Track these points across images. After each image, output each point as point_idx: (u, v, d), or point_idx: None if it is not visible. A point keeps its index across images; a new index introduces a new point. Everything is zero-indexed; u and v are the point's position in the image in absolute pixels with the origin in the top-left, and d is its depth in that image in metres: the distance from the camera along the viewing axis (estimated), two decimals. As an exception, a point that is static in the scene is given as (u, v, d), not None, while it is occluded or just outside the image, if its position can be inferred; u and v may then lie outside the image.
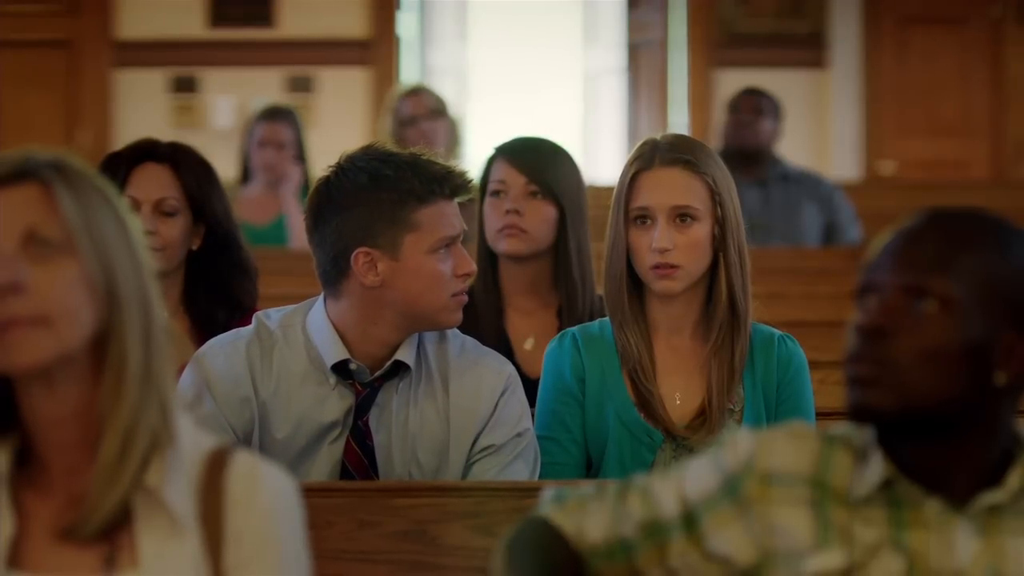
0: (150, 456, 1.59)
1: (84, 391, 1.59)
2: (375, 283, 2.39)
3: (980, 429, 1.64)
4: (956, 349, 1.61)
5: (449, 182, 2.41)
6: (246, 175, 5.39)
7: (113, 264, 1.59)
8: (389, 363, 2.43)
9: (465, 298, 2.45)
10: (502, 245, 3.02)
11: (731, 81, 7.44)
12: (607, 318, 2.62)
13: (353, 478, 2.44)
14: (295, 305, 2.52)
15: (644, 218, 2.55)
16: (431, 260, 2.39)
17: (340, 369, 2.44)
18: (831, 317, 3.93)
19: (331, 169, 2.45)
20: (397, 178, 2.39)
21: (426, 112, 5.27)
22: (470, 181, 2.45)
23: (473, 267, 2.45)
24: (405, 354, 2.44)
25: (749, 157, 5.26)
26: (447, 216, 2.41)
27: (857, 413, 1.65)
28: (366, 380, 2.44)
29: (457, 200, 2.44)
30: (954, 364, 1.61)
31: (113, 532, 1.59)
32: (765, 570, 1.69)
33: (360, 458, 2.44)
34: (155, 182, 2.93)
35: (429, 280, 2.39)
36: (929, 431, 1.63)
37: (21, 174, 1.59)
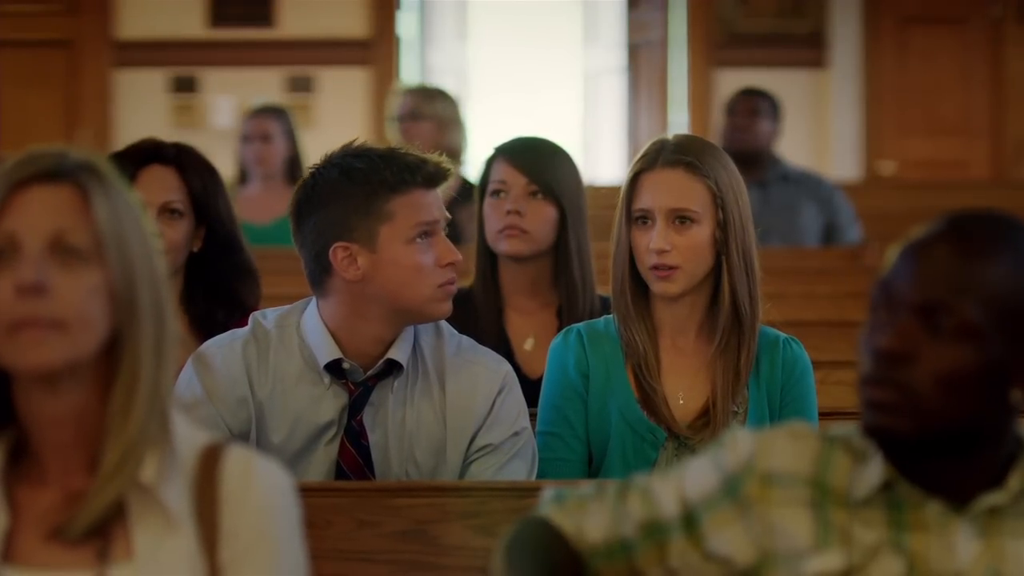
0: (145, 454, 1.59)
1: (85, 394, 1.59)
2: (356, 277, 2.39)
3: (988, 442, 1.64)
4: (974, 372, 1.59)
5: (422, 170, 2.39)
6: (243, 176, 5.40)
7: (134, 275, 1.59)
8: (382, 362, 2.43)
9: (453, 288, 2.43)
10: (503, 246, 3.01)
11: (731, 81, 7.43)
12: (612, 315, 2.62)
13: (349, 478, 2.43)
14: (291, 305, 2.52)
15: (644, 219, 2.55)
16: (410, 250, 2.39)
17: (334, 369, 2.44)
18: (831, 317, 3.94)
19: (310, 170, 2.45)
20: (369, 170, 2.39)
21: (434, 115, 5.23)
22: (447, 170, 2.43)
23: (457, 255, 2.42)
24: (398, 352, 2.43)
25: (747, 159, 5.24)
26: (422, 204, 2.39)
27: (873, 434, 1.63)
28: (359, 379, 2.44)
29: (437, 188, 2.41)
30: (972, 387, 1.59)
31: (107, 526, 1.59)
32: (765, 571, 1.68)
33: (355, 457, 2.44)
34: (161, 184, 2.93)
35: (410, 271, 2.38)
36: (939, 447, 1.63)
37: (56, 174, 1.59)
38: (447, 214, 2.44)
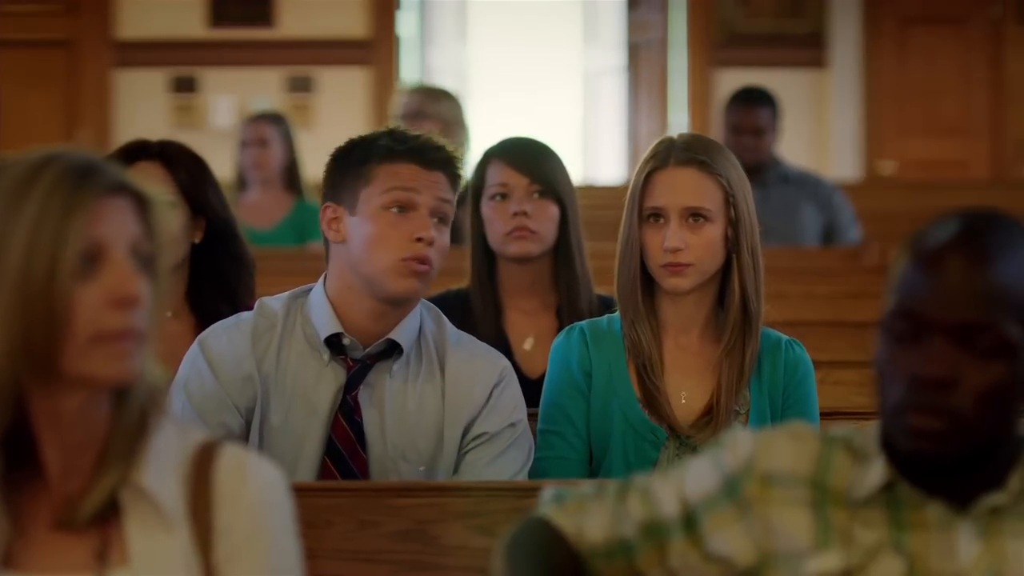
0: (137, 452, 1.59)
1: (108, 401, 1.59)
2: (338, 239, 2.43)
3: (1000, 449, 1.64)
4: (1011, 385, 1.59)
5: (410, 143, 2.41)
6: (242, 183, 5.41)
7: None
8: (382, 341, 2.43)
9: (419, 267, 2.38)
10: (512, 248, 3.02)
11: (731, 81, 7.44)
12: (615, 314, 2.63)
13: (341, 454, 2.43)
14: (303, 286, 2.53)
15: (657, 216, 2.56)
16: (380, 217, 2.38)
17: (335, 345, 2.44)
18: (830, 317, 3.94)
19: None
20: (371, 138, 2.44)
21: (438, 116, 5.21)
22: (446, 154, 2.42)
23: (429, 233, 2.38)
24: (400, 334, 2.44)
25: (749, 169, 5.20)
26: (402, 175, 2.39)
27: (918, 458, 1.62)
28: (358, 356, 2.44)
29: (433, 170, 2.40)
30: (1011, 400, 1.59)
31: (104, 530, 1.59)
32: (765, 571, 1.68)
33: (348, 433, 2.43)
34: (147, 179, 2.93)
35: (376, 237, 2.38)
36: (969, 461, 1.62)
37: (122, 187, 1.58)
38: (445, 204, 2.41)
